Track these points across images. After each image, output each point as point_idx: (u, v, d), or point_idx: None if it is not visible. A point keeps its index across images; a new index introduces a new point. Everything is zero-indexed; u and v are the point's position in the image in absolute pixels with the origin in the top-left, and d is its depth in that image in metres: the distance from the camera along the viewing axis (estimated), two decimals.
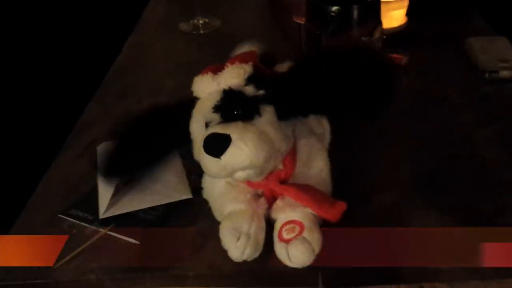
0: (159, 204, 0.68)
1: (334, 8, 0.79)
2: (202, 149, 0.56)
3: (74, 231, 0.66)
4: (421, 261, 0.59)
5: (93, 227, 0.66)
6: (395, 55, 0.97)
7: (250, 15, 1.25)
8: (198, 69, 1.00)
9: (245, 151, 0.55)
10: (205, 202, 0.67)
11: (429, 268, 0.59)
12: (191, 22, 1.21)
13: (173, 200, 0.68)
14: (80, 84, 1.09)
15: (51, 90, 1.20)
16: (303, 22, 0.91)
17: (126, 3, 1.41)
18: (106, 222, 0.66)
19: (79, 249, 0.63)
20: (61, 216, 0.68)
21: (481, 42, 0.97)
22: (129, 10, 1.32)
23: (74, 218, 0.68)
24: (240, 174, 0.57)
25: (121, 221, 0.66)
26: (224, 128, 0.56)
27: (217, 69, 0.61)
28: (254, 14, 1.26)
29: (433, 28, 1.09)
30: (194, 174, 0.70)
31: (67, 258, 0.62)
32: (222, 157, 0.55)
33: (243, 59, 0.62)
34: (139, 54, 1.11)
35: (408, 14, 1.05)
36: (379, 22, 0.83)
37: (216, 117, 0.58)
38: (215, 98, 0.58)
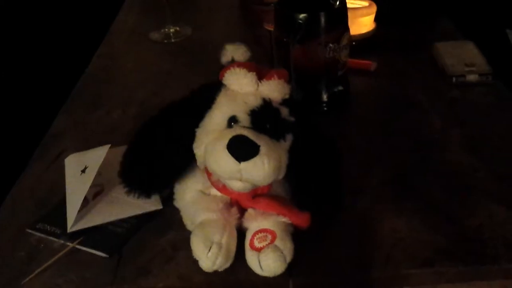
0: (129, 216, 0.67)
1: (301, 15, 0.79)
2: (221, 143, 0.55)
3: (42, 245, 0.65)
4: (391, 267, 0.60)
5: (61, 241, 0.65)
6: (363, 61, 0.98)
7: (221, 23, 1.26)
8: (170, 78, 1.00)
9: (265, 168, 0.55)
10: (176, 212, 0.67)
11: (400, 273, 0.60)
12: (162, 31, 1.20)
13: (143, 212, 0.67)
14: (49, 95, 1.07)
15: (20, 101, 1.18)
16: (273, 30, 0.91)
17: (95, 13, 1.40)
18: (74, 235, 0.65)
19: (47, 264, 0.62)
20: (29, 230, 0.67)
21: (448, 47, 0.99)
22: (98, 20, 1.31)
23: (41, 233, 0.66)
24: (239, 184, 0.57)
25: (90, 235, 0.65)
26: (257, 137, 0.55)
27: (253, 69, 0.61)
28: (225, 22, 1.26)
29: (401, 33, 1.11)
30: None
31: (34, 273, 0.61)
32: (243, 163, 0.55)
33: (280, 75, 0.62)
34: (109, 64, 1.10)
35: (376, 20, 1.06)
36: (347, 29, 0.84)
37: (247, 120, 0.58)
38: (253, 101, 0.59)
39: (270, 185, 0.62)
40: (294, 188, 0.63)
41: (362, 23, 1.04)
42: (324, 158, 0.63)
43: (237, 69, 0.60)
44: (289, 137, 0.60)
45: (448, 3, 1.21)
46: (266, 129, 0.58)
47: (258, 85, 0.60)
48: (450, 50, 0.98)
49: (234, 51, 0.71)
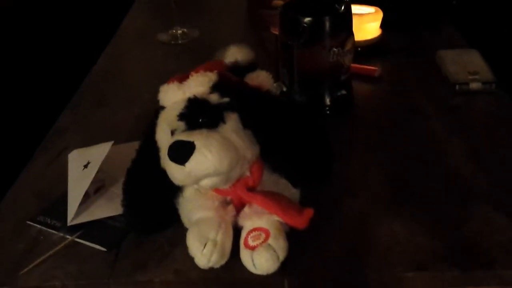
0: None
1: (306, 19, 0.80)
2: (165, 157, 0.56)
3: (41, 238, 0.66)
4: (386, 269, 0.60)
5: (61, 234, 0.66)
6: (368, 67, 0.99)
7: (228, 26, 1.27)
8: None
9: (209, 158, 0.55)
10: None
11: (395, 276, 0.60)
12: (170, 32, 1.22)
13: None
14: (55, 91, 1.09)
15: (26, 96, 1.20)
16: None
17: (105, 13, 1.42)
18: (74, 229, 0.66)
19: (45, 256, 0.63)
20: (29, 222, 0.68)
21: (451, 55, 0.99)
22: (108, 21, 1.32)
23: (42, 225, 0.67)
24: (206, 182, 0.58)
25: (89, 229, 0.66)
26: (188, 136, 0.56)
27: (182, 79, 0.61)
28: (232, 25, 1.27)
29: (406, 40, 1.12)
30: None
31: (32, 264, 0.62)
32: (187, 164, 0.55)
33: (208, 67, 0.62)
34: (116, 63, 1.11)
35: (382, 26, 1.07)
36: (351, 33, 0.84)
37: (181, 125, 0.58)
38: (180, 106, 0.59)
39: (258, 173, 0.62)
40: (273, 163, 0.63)
41: (367, 29, 1.05)
42: (290, 123, 0.63)
43: (161, 87, 0.62)
44: (232, 116, 0.59)
45: (454, 11, 1.21)
46: (202, 123, 0.58)
47: (182, 91, 0.60)
48: (454, 57, 0.98)
49: (237, 52, 0.72)
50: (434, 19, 1.18)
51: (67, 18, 1.41)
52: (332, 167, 0.65)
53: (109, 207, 0.68)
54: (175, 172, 0.56)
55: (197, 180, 0.57)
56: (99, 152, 0.72)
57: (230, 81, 0.63)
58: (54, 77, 1.25)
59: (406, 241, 0.63)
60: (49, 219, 0.68)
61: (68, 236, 0.65)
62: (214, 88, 0.60)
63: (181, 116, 0.58)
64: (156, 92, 0.96)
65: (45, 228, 0.67)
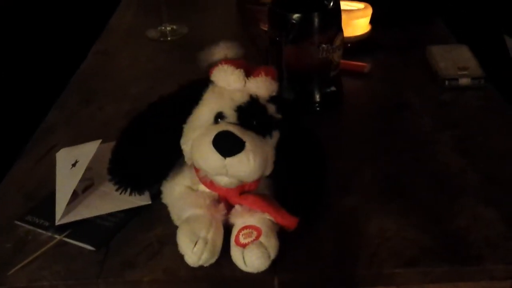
0: (117, 210, 0.67)
1: (295, 15, 0.80)
2: (207, 139, 0.55)
3: (29, 237, 0.65)
4: (376, 265, 0.60)
5: (49, 234, 0.65)
6: (358, 63, 0.99)
7: (218, 22, 1.26)
8: (164, 75, 1.01)
9: (251, 164, 0.55)
10: (164, 207, 0.67)
11: (385, 272, 0.60)
12: (159, 29, 1.21)
13: (130, 207, 0.68)
14: (44, 89, 1.08)
15: (14, 94, 1.19)
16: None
17: (93, 10, 1.40)
18: (62, 228, 0.65)
19: (34, 255, 0.62)
20: (17, 222, 0.67)
21: (441, 50, 0.99)
22: (96, 17, 1.31)
23: (30, 225, 0.67)
24: (226, 180, 0.58)
25: (78, 228, 0.65)
26: (242, 133, 0.56)
27: (242, 66, 0.61)
28: (222, 21, 1.27)
29: (396, 36, 1.12)
30: None
31: (21, 264, 0.61)
32: (229, 159, 0.55)
33: (268, 73, 0.62)
34: (104, 61, 1.10)
35: (371, 22, 1.07)
36: (340, 29, 0.84)
37: (234, 116, 0.58)
38: (240, 98, 0.59)
39: (257, 182, 0.62)
40: (276, 185, 0.63)
41: (357, 25, 1.05)
42: (307, 158, 0.63)
43: (225, 66, 0.61)
44: (276, 134, 0.60)
45: (443, 7, 1.21)
46: (253, 126, 0.58)
47: (245, 82, 0.60)
48: (443, 53, 0.98)
49: (227, 49, 0.72)
50: (424, 14, 1.18)
51: (55, 15, 1.39)
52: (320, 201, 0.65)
53: (98, 206, 0.68)
54: (211, 158, 0.56)
55: (223, 174, 0.57)
56: (87, 151, 0.71)
57: (285, 100, 0.63)
58: (42, 74, 1.24)
59: (396, 237, 0.63)
60: (37, 219, 0.67)
61: (56, 236, 0.64)
62: (272, 99, 0.61)
63: (239, 109, 0.58)
64: (146, 89, 0.97)
65: (33, 228, 0.66)
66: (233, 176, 0.57)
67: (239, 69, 0.60)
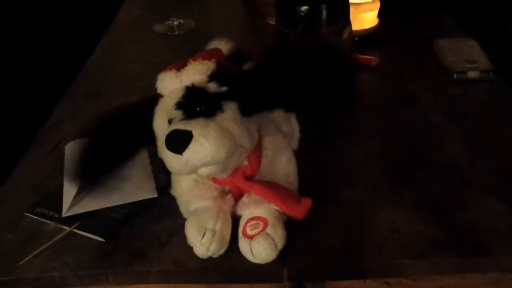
0: (123, 203, 0.68)
1: (303, 7, 0.80)
2: (163, 145, 0.56)
3: (39, 229, 0.65)
4: (384, 256, 0.60)
5: (59, 225, 0.65)
6: (366, 56, 0.99)
7: (224, 16, 1.26)
8: None
9: (206, 147, 0.55)
10: (173, 199, 0.67)
11: (393, 263, 0.60)
12: (166, 23, 1.21)
13: (137, 199, 0.68)
14: (52, 83, 1.08)
15: (22, 88, 1.19)
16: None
17: (100, 4, 1.41)
18: (72, 220, 0.66)
19: (43, 247, 0.62)
20: (27, 214, 0.68)
21: (449, 43, 0.99)
22: (103, 11, 1.31)
23: (39, 216, 0.67)
24: (203, 171, 0.57)
25: (87, 219, 0.66)
26: (185, 125, 0.56)
27: (180, 66, 0.61)
28: (228, 15, 1.27)
29: (404, 29, 1.11)
30: (162, 172, 0.70)
31: (31, 255, 0.61)
32: (184, 153, 0.55)
33: (206, 56, 0.62)
34: (112, 55, 1.11)
35: (379, 15, 1.06)
36: (348, 22, 0.84)
37: (178, 114, 0.58)
38: (178, 95, 0.58)
39: (257, 163, 0.62)
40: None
41: (365, 18, 1.04)
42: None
43: (159, 75, 0.61)
44: (230, 105, 0.58)
45: (451, 0, 1.20)
46: (200, 112, 0.57)
47: (180, 79, 0.59)
48: (451, 46, 0.98)
49: (217, 45, 0.71)
50: (432, 8, 1.18)
51: (62, 10, 1.40)
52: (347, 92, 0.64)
53: (104, 199, 0.68)
54: (172, 161, 0.56)
55: (194, 169, 0.57)
56: None
57: (228, 70, 0.62)
58: (50, 68, 1.24)
59: (404, 229, 0.63)
60: (46, 210, 0.68)
61: (66, 227, 0.65)
62: (212, 76, 0.59)
63: (179, 105, 0.58)
64: (152, 83, 0.97)
65: (43, 219, 0.66)
66: (198, 166, 0.56)
67: (168, 71, 0.60)
